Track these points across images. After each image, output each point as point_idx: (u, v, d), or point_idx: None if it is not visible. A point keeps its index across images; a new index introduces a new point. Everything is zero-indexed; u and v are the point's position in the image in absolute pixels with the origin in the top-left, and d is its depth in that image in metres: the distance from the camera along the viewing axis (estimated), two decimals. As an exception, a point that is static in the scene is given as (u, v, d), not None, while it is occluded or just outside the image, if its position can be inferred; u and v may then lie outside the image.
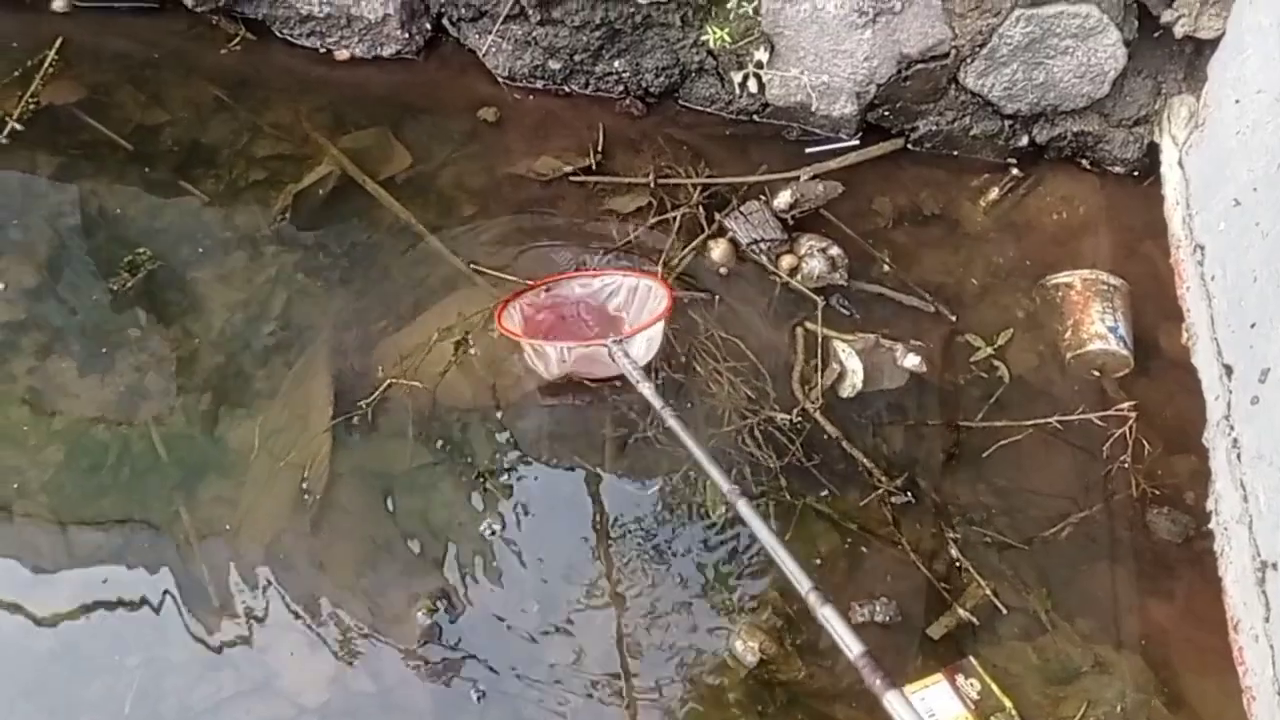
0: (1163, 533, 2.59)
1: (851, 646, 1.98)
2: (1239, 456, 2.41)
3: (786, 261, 2.92)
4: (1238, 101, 2.67)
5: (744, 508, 2.23)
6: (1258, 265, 2.45)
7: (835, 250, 2.92)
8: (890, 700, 1.89)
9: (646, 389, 2.55)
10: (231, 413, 2.68)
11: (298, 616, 2.43)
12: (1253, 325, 2.43)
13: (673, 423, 2.44)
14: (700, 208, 2.99)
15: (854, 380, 2.72)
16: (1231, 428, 2.46)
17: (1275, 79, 2.50)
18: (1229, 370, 2.51)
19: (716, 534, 2.58)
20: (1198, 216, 2.78)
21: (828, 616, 2.03)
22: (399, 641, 2.40)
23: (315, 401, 2.66)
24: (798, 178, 3.02)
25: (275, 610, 2.43)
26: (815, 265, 2.90)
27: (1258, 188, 2.50)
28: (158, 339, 2.77)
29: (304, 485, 2.55)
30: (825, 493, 2.64)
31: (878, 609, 2.49)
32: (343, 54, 3.20)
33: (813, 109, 3.07)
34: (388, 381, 2.68)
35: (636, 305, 2.83)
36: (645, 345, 2.70)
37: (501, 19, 3.03)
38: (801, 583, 2.10)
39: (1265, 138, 2.50)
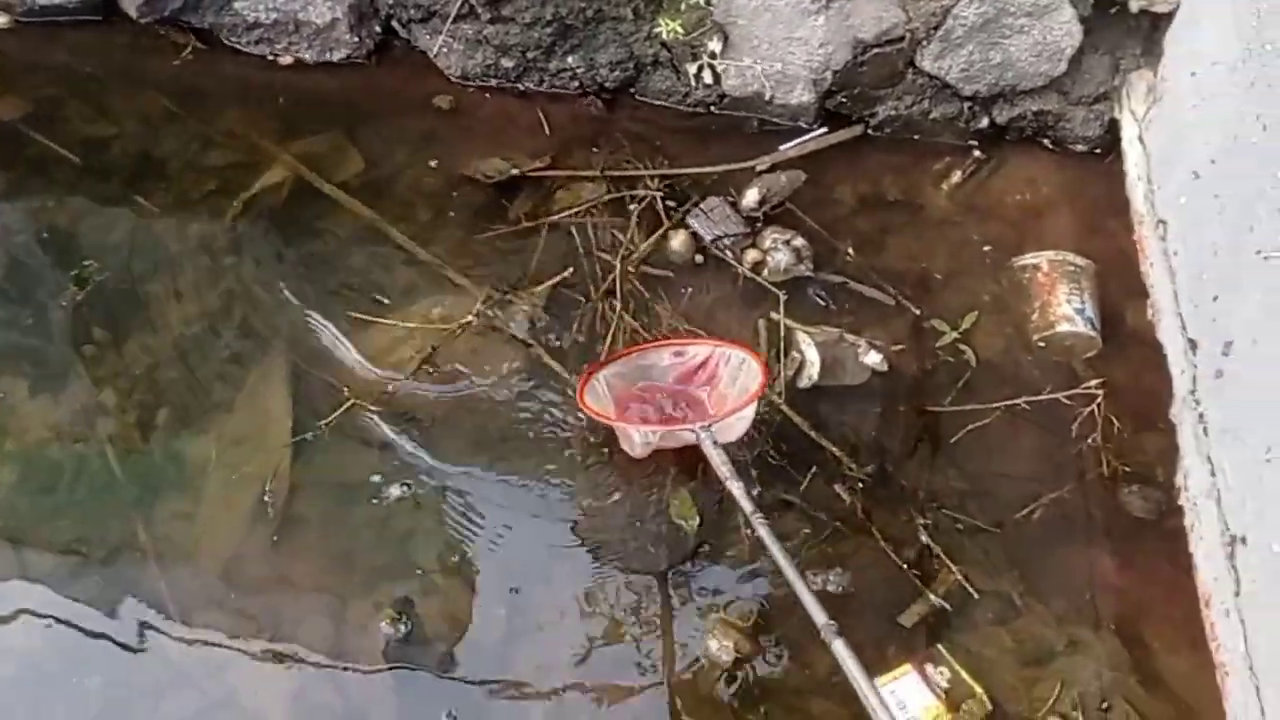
0: (1136, 510, 2.57)
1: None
2: (1205, 431, 2.39)
3: (751, 255, 2.89)
4: (1194, 74, 2.65)
5: (840, 648, 2.11)
6: (1218, 238, 2.43)
7: (799, 241, 2.89)
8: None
9: (736, 488, 2.36)
10: (189, 427, 2.63)
11: (260, 631, 2.38)
12: (1215, 299, 2.41)
13: (762, 531, 2.28)
14: (659, 201, 2.96)
15: (810, 371, 2.68)
16: (1197, 403, 2.44)
17: (1229, 50, 2.48)
18: (1193, 345, 2.49)
19: (681, 537, 2.53)
20: (1159, 191, 2.77)
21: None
22: (364, 654, 2.35)
23: (273, 413, 2.62)
24: (753, 168, 3.00)
25: (236, 626, 2.38)
26: (781, 258, 2.87)
27: (1215, 160, 2.49)
28: (112, 355, 2.72)
29: (266, 499, 2.51)
30: (796, 482, 2.61)
31: (830, 578, 2.46)
32: (286, 59, 3.15)
33: (770, 98, 3.05)
34: (350, 402, 2.63)
35: (726, 379, 2.65)
36: (736, 423, 2.53)
37: (451, 19, 2.99)
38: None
39: (1220, 109, 2.48)
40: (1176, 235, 2.64)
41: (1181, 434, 2.53)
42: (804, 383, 2.68)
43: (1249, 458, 2.19)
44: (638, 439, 2.52)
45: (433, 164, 3.07)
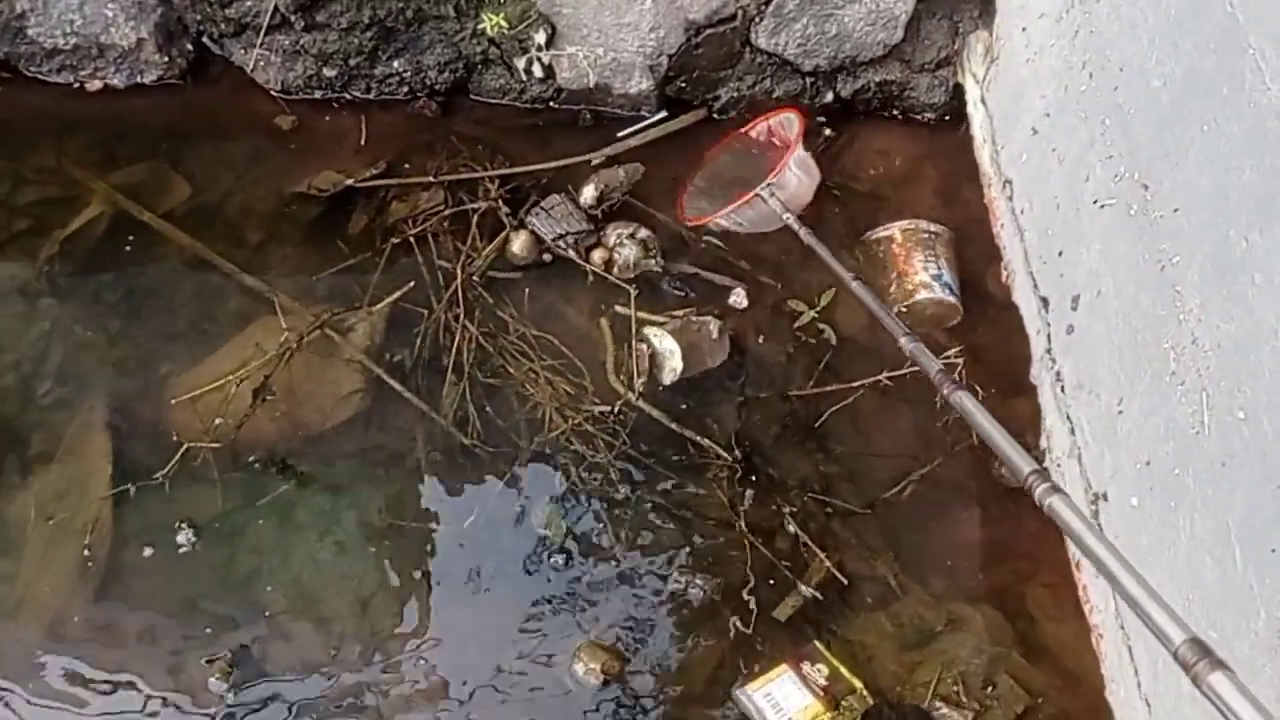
0: (1009, 478, 2.50)
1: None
2: (1063, 389, 2.33)
3: (598, 255, 2.78)
4: (1024, 29, 2.60)
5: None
6: (1058, 191, 2.38)
7: (644, 233, 2.80)
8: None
9: (792, 221, 2.63)
10: (6, 482, 2.45)
11: (90, 693, 2.21)
12: (1060, 253, 2.36)
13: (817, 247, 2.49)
14: (501, 203, 2.84)
15: (673, 363, 2.59)
16: (1054, 361, 2.39)
17: (1053, 1, 2.43)
18: (1045, 302, 2.44)
19: (544, 555, 2.42)
20: (1003, 151, 2.72)
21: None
22: (202, 705, 2.20)
23: (94, 462, 2.45)
24: (589, 161, 2.88)
25: (64, 690, 2.21)
26: (628, 253, 2.77)
27: (1050, 113, 2.44)
28: (-80, 415, 2.53)
29: (85, 553, 2.33)
30: (660, 483, 2.51)
31: (697, 580, 2.39)
32: (95, 85, 2.97)
33: (607, 88, 2.94)
34: (183, 447, 2.46)
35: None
36: (796, 178, 2.74)
37: (264, 30, 2.83)
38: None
39: (1051, 61, 2.44)
40: (1022, 193, 2.59)
41: (1042, 394, 2.47)
42: (669, 378, 2.59)
43: (1103, 411, 2.14)
44: (729, 225, 2.78)
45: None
